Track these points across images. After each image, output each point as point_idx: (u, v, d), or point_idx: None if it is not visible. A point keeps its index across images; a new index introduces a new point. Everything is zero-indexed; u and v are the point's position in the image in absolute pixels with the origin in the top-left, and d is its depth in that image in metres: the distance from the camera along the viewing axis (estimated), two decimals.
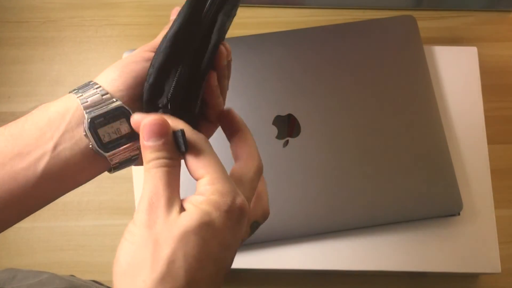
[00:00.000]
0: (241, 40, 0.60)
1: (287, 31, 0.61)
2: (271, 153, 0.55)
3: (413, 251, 0.55)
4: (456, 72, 0.62)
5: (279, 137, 0.56)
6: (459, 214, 0.56)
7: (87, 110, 0.33)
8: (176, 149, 0.31)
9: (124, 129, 0.34)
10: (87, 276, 0.56)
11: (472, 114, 0.60)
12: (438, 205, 0.54)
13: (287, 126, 0.57)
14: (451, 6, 0.73)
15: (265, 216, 0.38)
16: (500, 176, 0.65)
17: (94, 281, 0.54)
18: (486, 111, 0.61)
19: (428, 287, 0.61)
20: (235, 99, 0.57)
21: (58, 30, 0.72)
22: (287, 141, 0.56)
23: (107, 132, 0.34)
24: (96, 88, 0.34)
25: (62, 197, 0.56)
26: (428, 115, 0.57)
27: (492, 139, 0.66)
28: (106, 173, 0.48)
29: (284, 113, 0.57)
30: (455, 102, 0.60)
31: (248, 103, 0.57)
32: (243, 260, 0.54)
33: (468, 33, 0.72)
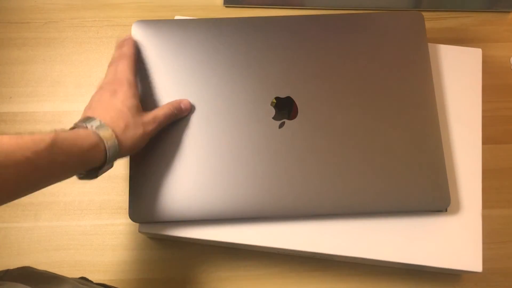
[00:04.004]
0: (247, 20, 0.61)
1: (293, 16, 0.62)
2: (266, 133, 0.56)
3: (396, 242, 0.55)
4: (459, 72, 0.62)
5: (276, 118, 0.57)
6: (446, 210, 0.56)
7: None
8: None
9: None
10: (88, 276, 0.57)
11: (470, 114, 0.60)
12: (425, 199, 0.54)
13: (285, 108, 0.57)
14: (451, 6, 0.73)
15: None
16: (500, 176, 0.66)
17: (103, 285, 0.54)
18: (485, 111, 0.61)
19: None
20: (237, 78, 0.58)
21: (59, 31, 0.72)
22: (283, 123, 0.57)
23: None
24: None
25: (63, 196, 0.57)
26: (425, 110, 0.58)
27: (492, 139, 0.67)
28: (107, 173, 0.48)
29: (283, 95, 0.57)
30: (454, 100, 0.61)
31: (249, 83, 0.58)
32: (233, 234, 0.56)
33: (467, 33, 0.72)
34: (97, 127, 0.46)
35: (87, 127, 0.46)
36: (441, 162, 0.56)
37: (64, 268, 0.62)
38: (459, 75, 0.62)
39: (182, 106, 0.56)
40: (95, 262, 0.62)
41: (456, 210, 0.57)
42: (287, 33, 0.60)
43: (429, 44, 0.61)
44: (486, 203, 0.58)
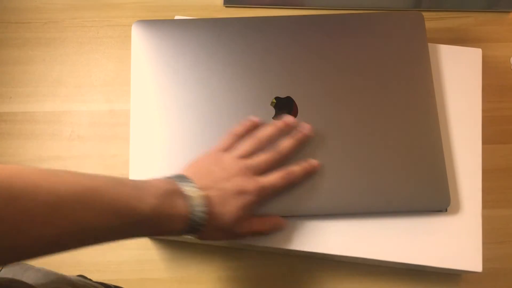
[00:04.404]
0: (247, 20, 0.61)
1: (293, 16, 0.62)
2: None
3: (396, 242, 0.55)
4: (459, 72, 0.62)
5: (276, 118, 0.57)
6: (446, 210, 0.56)
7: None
8: None
9: None
10: (88, 276, 0.57)
11: (470, 114, 0.60)
12: (425, 200, 0.54)
13: (285, 108, 0.57)
14: (450, 6, 0.73)
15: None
16: (500, 176, 0.66)
17: (102, 283, 0.54)
18: (485, 111, 0.61)
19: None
20: (237, 78, 0.58)
21: (59, 31, 0.72)
22: None
23: None
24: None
25: None
26: (425, 110, 0.58)
27: (492, 139, 0.67)
28: (108, 173, 0.48)
29: (283, 95, 0.57)
30: (454, 100, 0.61)
31: (249, 83, 0.58)
32: None
33: (467, 33, 0.72)
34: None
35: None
36: (441, 162, 0.56)
37: (64, 268, 0.61)
38: (459, 75, 0.62)
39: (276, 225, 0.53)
40: (95, 262, 0.62)
41: (456, 210, 0.57)
42: (287, 33, 0.60)
43: (429, 44, 0.61)
44: (486, 203, 0.58)
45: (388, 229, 0.56)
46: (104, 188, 0.40)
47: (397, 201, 0.55)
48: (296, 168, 0.52)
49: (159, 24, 0.60)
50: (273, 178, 0.51)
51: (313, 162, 0.53)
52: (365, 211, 0.55)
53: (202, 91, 0.58)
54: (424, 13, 0.61)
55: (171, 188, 0.44)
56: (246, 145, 0.52)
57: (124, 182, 0.42)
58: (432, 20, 0.72)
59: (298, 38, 0.60)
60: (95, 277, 0.57)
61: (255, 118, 0.55)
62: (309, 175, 0.53)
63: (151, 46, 0.59)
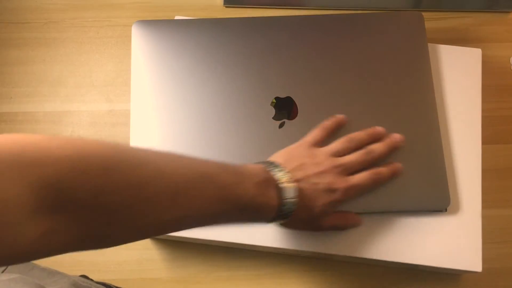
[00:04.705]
0: (247, 20, 0.61)
1: (293, 16, 0.62)
2: (266, 132, 0.57)
3: (396, 242, 0.55)
4: (459, 72, 0.62)
5: (276, 118, 0.57)
6: (445, 210, 0.56)
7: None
8: None
9: None
10: (89, 275, 0.57)
11: (469, 114, 0.60)
12: (425, 199, 0.54)
13: (285, 108, 0.57)
14: (451, 6, 0.73)
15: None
16: (499, 176, 0.66)
17: (104, 284, 0.54)
18: (485, 111, 0.61)
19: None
20: (237, 78, 0.58)
21: (59, 31, 0.72)
22: (283, 123, 0.57)
23: None
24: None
25: None
26: (424, 110, 0.58)
27: (492, 139, 0.67)
28: None
29: (283, 95, 0.57)
30: (454, 100, 0.61)
31: (249, 83, 0.58)
32: (234, 234, 0.56)
33: (467, 33, 0.72)
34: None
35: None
36: (441, 162, 0.56)
37: (64, 268, 0.61)
38: (459, 75, 0.62)
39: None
40: (96, 261, 0.62)
41: (456, 210, 0.57)
42: (287, 33, 0.60)
43: (429, 44, 0.61)
44: (486, 203, 0.58)
45: (387, 229, 0.56)
46: (214, 174, 0.41)
47: (397, 201, 0.55)
48: (383, 170, 0.53)
49: (159, 24, 0.60)
50: (361, 178, 0.51)
51: (398, 164, 0.54)
52: (365, 211, 0.55)
53: (202, 91, 0.58)
54: (424, 13, 0.61)
55: (267, 177, 0.45)
56: (339, 144, 0.53)
57: (227, 168, 0.43)
58: (432, 20, 0.72)
59: (298, 38, 0.60)
60: (95, 277, 0.57)
61: (342, 116, 0.56)
62: (395, 177, 0.54)
63: (151, 46, 0.59)
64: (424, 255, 0.55)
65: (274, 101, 0.57)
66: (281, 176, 0.46)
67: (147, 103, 0.58)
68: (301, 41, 0.60)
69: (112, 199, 0.33)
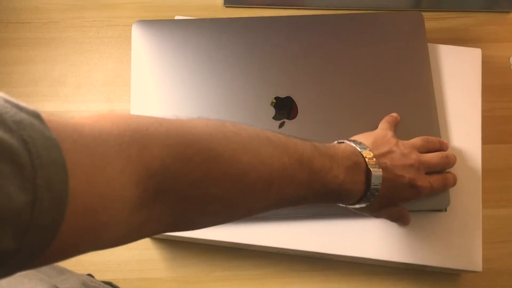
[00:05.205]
0: (247, 20, 0.62)
1: (293, 16, 0.62)
2: None
3: (396, 242, 0.56)
4: (459, 72, 0.62)
5: (276, 118, 0.57)
6: (445, 210, 0.56)
7: None
8: None
9: None
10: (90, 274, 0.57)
11: (469, 114, 0.60)
12: (425, 199, 0.54)
13: (285, 108, 0.57)
14: (450, 6, 0.73)
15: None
16: (500, 176, 0.66)
17: (110, 283, 0.54)
18: (485, 111, 0.61)
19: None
20: (237, 78, 0.58)
21: (59, 31, 0.72)
22: (283, 123, 0.57)
23: None
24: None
25: None
26: (424, 110, 0.58)
27: (492, 139, 0.67)
28: None
29: (283, 95, 0.57)
30: (454, 100, 0.61)
31: (249, 83, 0.58)
32: (234, 234, 0.56)
33: (468, 33, 0.72)
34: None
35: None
36: None
37: (65, 266, 0.62)
38: (459, 75, 0.62)
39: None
40: (96, 261, 0.62)
41: (456, 209, 0.57)
42: (287, 33, 0.60)
43: (429, 44, 0.61)
44: (486, 203, 0.58)
45: (388, 229, 0.56)
46: (309, 158, 0.41)
47: None
48: (450, 176, 0.54)
49: (159, 24, 0.60)
50: (437, 180, 0.52)
51: (456, 176, 0.55)
52: None
53: (202, 90, 0.58)
54: (424, 13, 0.61)
55: (357, 161, 0.45)
56: (420, 140, 0.53)
57: (321, 151, 0.42)
58: (432, 20, 0.72)
59: (298, 38, 0.60)
60: (96, 276, 0.57)
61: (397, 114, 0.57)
62: (453, 186, 0.54)
63: (151, 46, 0.59)
64: (424, 255, 0.55)
65: (274, 101, 0.57)
66: (370, 161, 0.46)
67: (147, 103, 0.58)
68: (301, 41, 0.60)
69: (211, 190, 0.33)
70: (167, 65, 0.59)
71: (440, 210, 0.56)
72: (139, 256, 0.62)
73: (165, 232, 0.35)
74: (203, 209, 0.34)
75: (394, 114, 0.56)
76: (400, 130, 0.56)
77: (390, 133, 0.52)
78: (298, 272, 0.62)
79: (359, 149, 0.46)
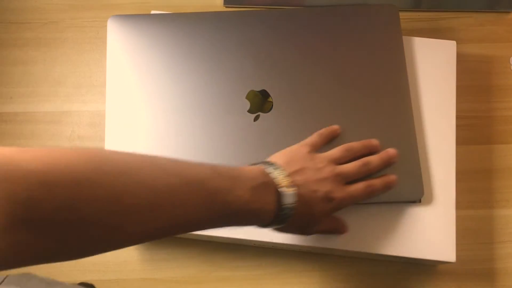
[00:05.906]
0: (222, 15, 0.62)
1: (267, 10, 0.62)
2: (241, 126, 0.56)
3: (370, 233, 0.55)
4: (433, 64, 0.62)
5: (251, 111, 0.57)
6: (420, 201, 0.56)
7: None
8: None
9: None
10: (88, 276, 0.57)
11: (444, 107, 0.60)
12: (399, 190, 0.54)
13: (260, 101, 0.57)
14: (451, 6, 0.73)
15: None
16: (494, 176, 0.66)
17: None
18: (485, 111, 0.61)
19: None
20: (212, 71, 0.58)
21: (59, 31, 0.72)
22: (258, 116, 0.57)
23: None
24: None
25: None
26: (399, 102, 0.58)
27: (491, 139, 0.67)
28: None
29: (258, 89, 0.57)
30: (428, 93, 0.60)
31: (224, 76, 0.58)
32: (230, 231, 0.56)
33: (467, 34, 0.72)
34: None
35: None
36: (415, 153, 0.56)
37: (64, 268, 0.62)
38: (434, 67, 0.61)
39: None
40: (96, 261, 0.62)
41: (430, 201, 0.57)
42: (262, 27, 0.60)
43: (404, 37, 0.60)
44: (486, 203, 0.58)
45: (362, 220, 0.56)
46: (205, 179, 0.40)
47: None
48: (377, 182, 0.52)
49: (135, 19, 0.61)
50: (357, 189, 0.51)
51: (393, 177, 0.53)
52: None
53: (177, 84, 0.58)
54: (424, 13, 0.61)
55: (266, 181, 0.44)
56: (337, 151, 0.52)
57: (221, 172, 0.42)
58: (432, 21, 0.72)
59: (274, 32, 0.60)
60: (95, 277, 0.57)
61: (337, 126, 0.55)
62: (387, 190, 0.53)
63: (127, 41, 0.59)
64: (399, 246, 0.55)
65: (249, 94, 0.57)
66: (281, 180, 0.45)
67: (123, 101, 0.58)
68: (276, 34, 0.60)
69: (83, 213, 0.32)
70: (142, 60, 0.59)
71: (414, 201, 0.56)
72: (139, 257, 0.62)
73: (54, 260, 0.34)
74: (81, 233, 0.34)
75: (335, 126, 0.55)
76: (373, 123, 0.56)
77: (305, 149, 0.51)
78: (297, 272, 0.62)
79: (269, 170, 0.46)
